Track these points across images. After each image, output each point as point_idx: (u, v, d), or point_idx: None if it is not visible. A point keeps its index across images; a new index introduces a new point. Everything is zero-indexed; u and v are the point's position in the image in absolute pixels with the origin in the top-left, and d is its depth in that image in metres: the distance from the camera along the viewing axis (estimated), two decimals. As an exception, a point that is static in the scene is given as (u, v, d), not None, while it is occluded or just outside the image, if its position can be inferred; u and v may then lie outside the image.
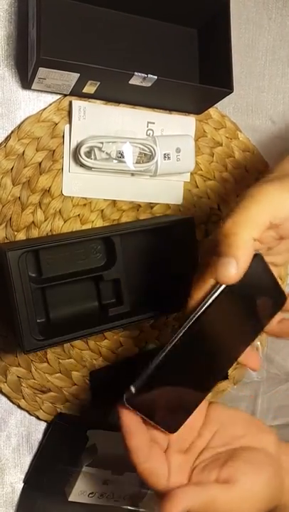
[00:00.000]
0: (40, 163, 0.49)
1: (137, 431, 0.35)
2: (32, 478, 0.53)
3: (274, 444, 0.40)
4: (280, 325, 0.43)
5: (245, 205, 0.34)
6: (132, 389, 0.35)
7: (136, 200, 0.53)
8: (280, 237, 0.37)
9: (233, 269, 0.33)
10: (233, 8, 0.51)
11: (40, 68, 0.44)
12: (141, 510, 0.57)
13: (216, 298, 0.36)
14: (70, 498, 0.52)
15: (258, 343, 0.63)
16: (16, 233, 0.49)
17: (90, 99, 0.50)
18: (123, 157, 0.49)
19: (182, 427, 0.37)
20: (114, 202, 0.52)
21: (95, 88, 0.48)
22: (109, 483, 0.53)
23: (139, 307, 0.50)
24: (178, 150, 0.52)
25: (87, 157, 0.49)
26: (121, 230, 0.49)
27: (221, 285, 0.35)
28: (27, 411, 0.52)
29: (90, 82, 0.46)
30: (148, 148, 0.50)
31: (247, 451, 0.38)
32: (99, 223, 0.52)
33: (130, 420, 0.35)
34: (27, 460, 0.53)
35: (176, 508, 0.34)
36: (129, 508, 0.56)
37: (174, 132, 0.53)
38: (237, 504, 0.36)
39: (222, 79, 0.50)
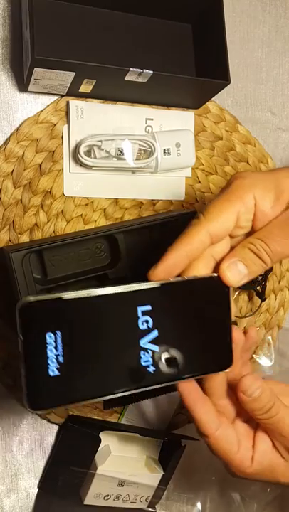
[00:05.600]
0: (40, 165, 0.49)
1: (201, 401, 0.35)
2: (46, 483, 0.53)
3: None
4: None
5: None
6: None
7: (138, 197, 0.53)
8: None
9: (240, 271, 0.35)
10: (227, 1, 0.51)
11: (35, 69, 0.44)
12: (158, 511, 0.56)
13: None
14: (86, 502, 0.52)
15: (269, 337, 0.62)
16: (19, 236, 0.49)
17: (87, 99, 0.50)
18: (123, 154, 0.49)
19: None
20: (116, 200, 0.52)
21: (92, 87, 0.48)
22: (124, 485, 0.52)
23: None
24: (178, 145, 0.51)
25: (87, 156, 0.49)
26: (124, 227, 0.48)
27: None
28: (38, 414, 0.52)
29: (86, 80, 0.46)
30: (147, 144, 0.50)
31: None
32: (102, 222, 0.52)
33: (191, 392, 0.34)
34: (40, 464, 0.53)
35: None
36: (145, 509, 0.55)
37: (173, 128, 0.53)
38: None
39: (218, 71, 0.49)
